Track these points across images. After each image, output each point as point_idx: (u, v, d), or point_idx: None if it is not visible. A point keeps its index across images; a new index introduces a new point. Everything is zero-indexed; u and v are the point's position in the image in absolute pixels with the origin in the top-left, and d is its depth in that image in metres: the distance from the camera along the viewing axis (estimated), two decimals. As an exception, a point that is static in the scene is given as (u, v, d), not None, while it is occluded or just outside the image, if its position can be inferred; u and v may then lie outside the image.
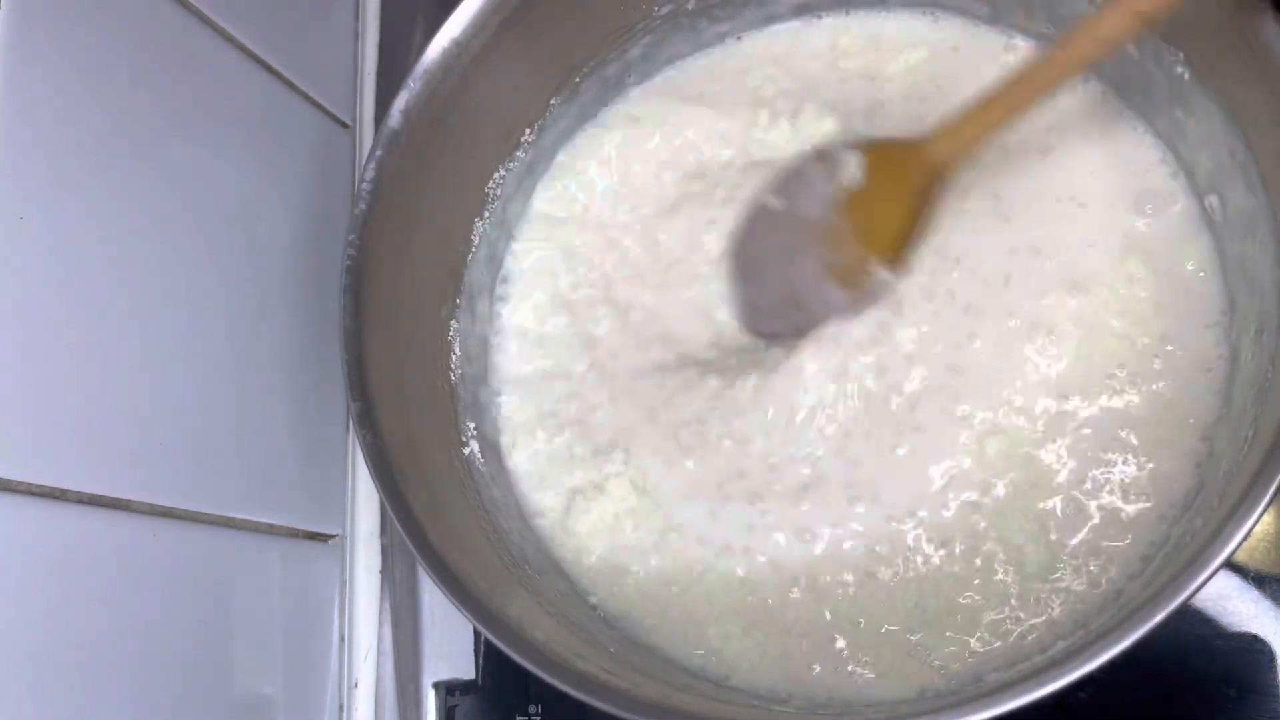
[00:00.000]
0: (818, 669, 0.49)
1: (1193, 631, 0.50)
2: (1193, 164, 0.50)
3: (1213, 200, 0.49)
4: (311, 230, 0.61)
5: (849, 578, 0.50)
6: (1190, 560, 0.38)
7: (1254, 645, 0.50)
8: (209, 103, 0.55)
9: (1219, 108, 0.46)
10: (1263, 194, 0.45)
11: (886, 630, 0.49)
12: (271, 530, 0.57)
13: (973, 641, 0.48)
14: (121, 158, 0.49)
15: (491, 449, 0.56)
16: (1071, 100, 0.53)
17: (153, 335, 0.50)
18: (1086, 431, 0.49)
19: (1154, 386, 0.49)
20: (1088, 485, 0.49)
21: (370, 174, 0.49)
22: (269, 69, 0.60)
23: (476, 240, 0.56)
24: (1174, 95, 0.49)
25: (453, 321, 0.55)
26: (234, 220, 0.56)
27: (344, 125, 0.67)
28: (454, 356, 0.55)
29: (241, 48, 0.58)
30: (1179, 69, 0.48)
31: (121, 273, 0.48)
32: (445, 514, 0.48)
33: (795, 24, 0.58)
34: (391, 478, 0.47)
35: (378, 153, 0.50)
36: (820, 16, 0.58)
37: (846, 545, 0.50)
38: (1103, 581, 0.47)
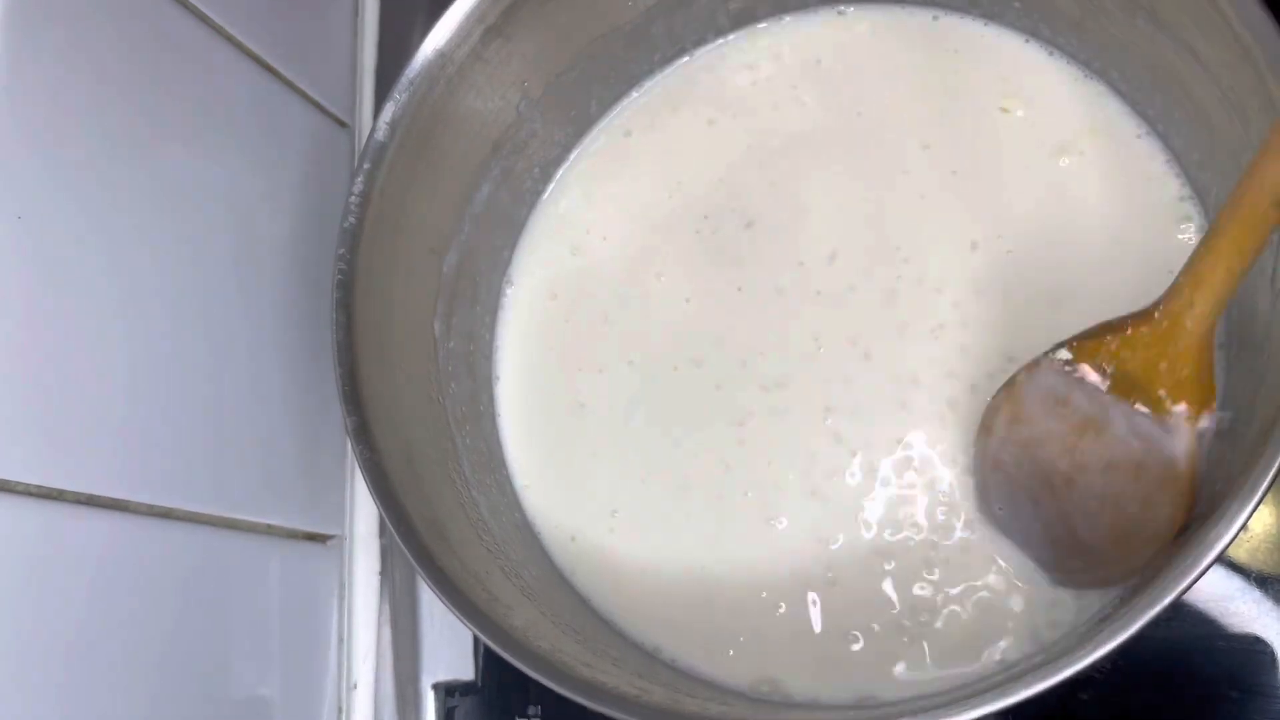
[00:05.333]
0: (828, 673, 0.49)
1: (1194, 632, 0.50)
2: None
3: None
4: (310, 230, 0.61)
5: (856, 578, 0.50)
6: (1177, 561, 0.38)
7: (1256, 646, 0.50)
8: (208, 102, 0.55)
9: None
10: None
11: (888, 627, 0.49)
12: (271, 531, 0.57)
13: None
14: (120, 157, 0.49)
15: (489, 460, 0.56)
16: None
17: (151, 335, 0.50)
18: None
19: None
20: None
21: (358, 188, 0.49)
22: (268, 68, 0.60)
23: (467, 249, 0.56)
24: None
25: (445, 334, 0.55)
26: (232, 219, 0.56)
27: (343, 125, 0.67)
28: (447, 368, 0.54)
29: (240, 47, 0.57)
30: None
31: (120, 272, 0.48)
32: (445, 526, 0.48)
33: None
34: (390, 491, 0.46)
35: (365, 166, 0.49)
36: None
37: (857, 545, 0.51)
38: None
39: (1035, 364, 0.45)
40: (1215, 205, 0.49)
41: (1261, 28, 0.41)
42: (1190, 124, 0.49)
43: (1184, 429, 0.40)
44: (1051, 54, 0.54)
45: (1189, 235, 0.50)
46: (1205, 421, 0.40)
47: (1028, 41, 0.55)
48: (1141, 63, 0.50)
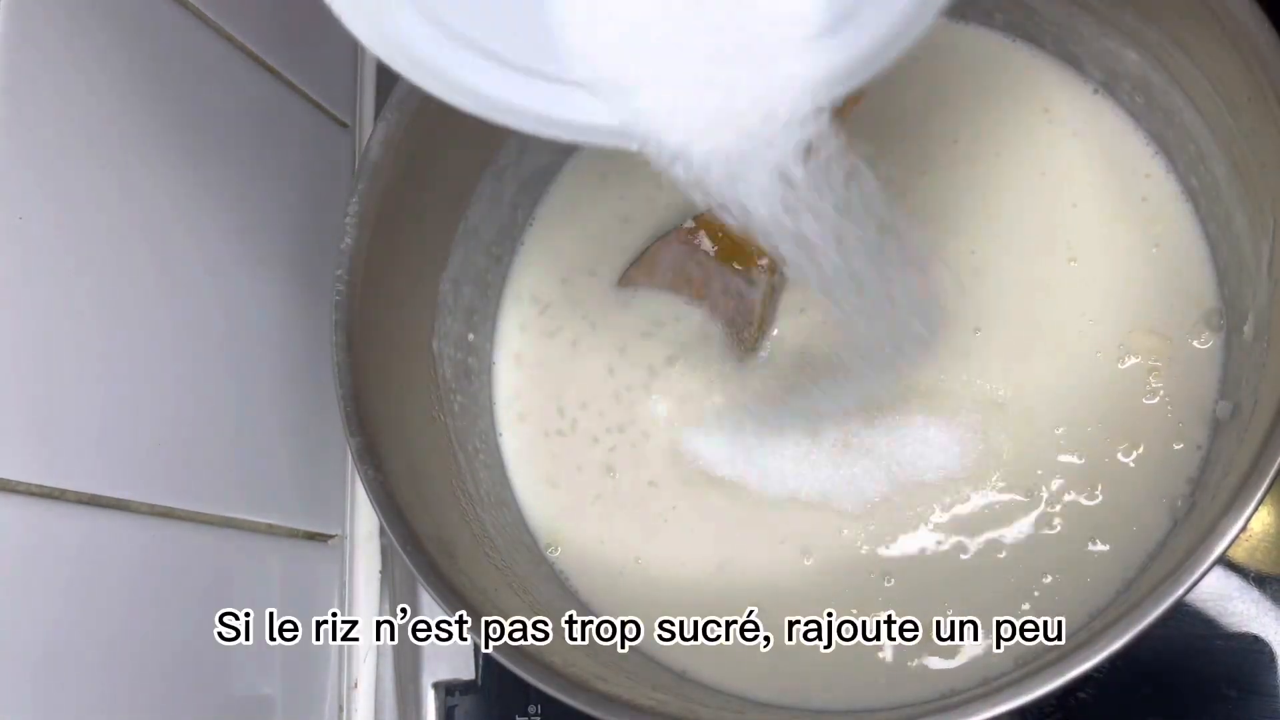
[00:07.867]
0: (834, 678, 0.50)
1: (1193, 632, 0.50)
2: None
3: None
4: (311, 230, 0.61)
5: (858, 580, 0.50)
6: (1184, 557, 0.38)
7: (1254, 645, 0.50)
8: (208, 102, 0.55)
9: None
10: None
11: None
12: (271, 530, 0.57)
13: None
14: (121, 158, 0.49)
15: (491, 477, 0.55)
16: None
17: (152, 335, 0.50)
18: (1090, 430, 0.50)
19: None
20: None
21: (354, 208, 0.49)
22: (268, 68, 0.60)
23: (462, 266, 0.56)
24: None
25: (444, 350, 0.55)
26: (234, 219, 0.56)
27: (344, 125, 0.67)
28: (448, 387, 0.54)
29: (241, 47, 0.57)
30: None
31: (121, 272, 0.48)
32: (452, 543, 0.48)
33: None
34: (396, 510, 0.46)
35: (360, 186, 0.49)
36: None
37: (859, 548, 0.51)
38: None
39: (668, 236, 0.55)
40: (1207, 196, 0.50)
41: (1247, 15, 0.41)
42: (1179, 115, 0.49)
43: (762, 279, 0.53)
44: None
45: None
46: (777, 276, 0.53)
47: (1014, 40, 0.55)
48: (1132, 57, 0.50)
